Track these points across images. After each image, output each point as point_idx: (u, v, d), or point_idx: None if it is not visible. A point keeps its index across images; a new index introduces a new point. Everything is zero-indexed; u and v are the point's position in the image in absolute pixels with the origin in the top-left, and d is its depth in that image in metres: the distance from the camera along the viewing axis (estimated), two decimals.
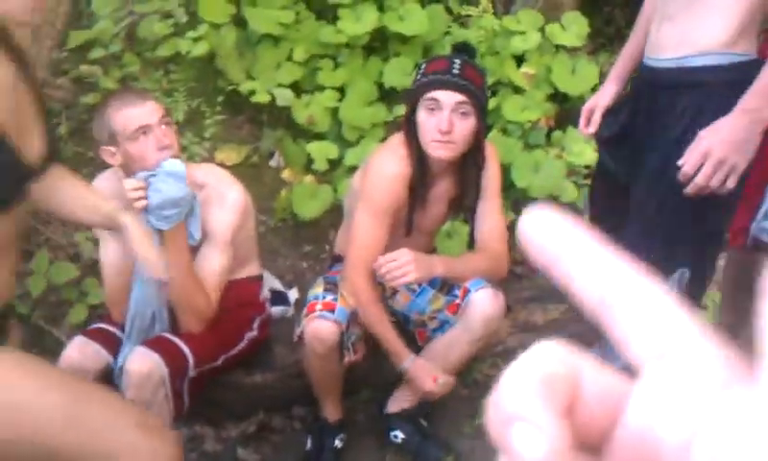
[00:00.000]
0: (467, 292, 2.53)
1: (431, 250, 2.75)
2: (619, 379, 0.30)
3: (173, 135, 2.30)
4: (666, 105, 2.03)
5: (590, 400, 0.29)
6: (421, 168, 2.46)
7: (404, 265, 2.39)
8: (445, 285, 2.64)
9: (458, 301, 2.57)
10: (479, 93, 2.40)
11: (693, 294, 2.09)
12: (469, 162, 2.50)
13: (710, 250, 2.14)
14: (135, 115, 2.25)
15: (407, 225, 2.55)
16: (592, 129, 2.39)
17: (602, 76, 3.88)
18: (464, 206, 2.59)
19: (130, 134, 2.25)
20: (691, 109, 1.97)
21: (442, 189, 2.56)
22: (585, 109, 2.46)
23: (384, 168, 2.48)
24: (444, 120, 2.35)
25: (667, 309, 0.28)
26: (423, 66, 2.48)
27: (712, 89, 1.93)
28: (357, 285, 2.45)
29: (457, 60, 2.41)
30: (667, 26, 2.01)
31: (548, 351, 0.29)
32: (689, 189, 1.91)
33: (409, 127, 2.44)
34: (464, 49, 2.54)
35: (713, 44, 1.91)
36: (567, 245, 0.31)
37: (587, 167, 3.47)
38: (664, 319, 0.28)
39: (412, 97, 2.45)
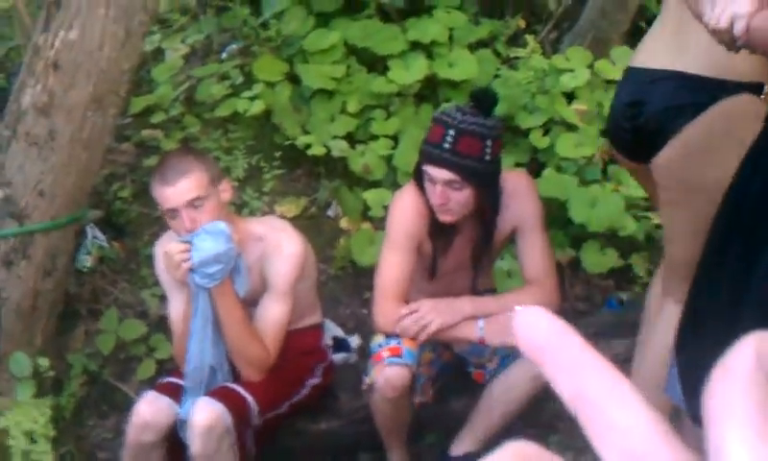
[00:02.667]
0: None
1: (478, 291, 2.74)
2: None
3: (204, 215, 2.33)
4: None
5: None
6: (436, 218, 2.49)
7: (426, 314, 2.41)
8: None
9: None
10: (473, 164, 2.37)
11: None
12: (485, 209, 2.50)
13: None
14: (165, 197, 2.34)
15: (431, 268, 2.56)
16: None
17: None
18: (487, 248, 2.59)
19: (164, 211, 2.38)
20: None
21: (467, 233, 2.57)
22: None
23: (403, 204, 2.54)
24: (436, 194, 2.39)
25: (634, 411, 0.32)
26: (428, 129, 2.50)
27: None
28: (390, 310, 2.47)
29: (452, 131, 2.37)
30: None
31: (519, 450, 0.33)
32: None
33: (419, 182, 2.49)
34: (483, 97, 2.51)
35: None
36: (552, 342, 0.34)
37: (645, 199, 3.43)
38: (630, 423, 0.32)
39: (418, 159, 2.50)
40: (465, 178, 2.37)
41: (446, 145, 2.37)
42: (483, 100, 2.48)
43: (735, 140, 1.79)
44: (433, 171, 2.39)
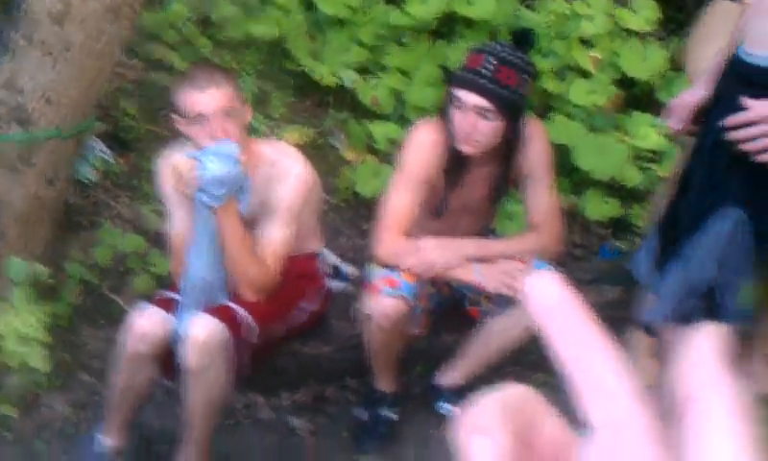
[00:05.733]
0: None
1: (481, 232, 2.73)
2: (571, 432, 0.38)
3: (233, 127, 2.31)
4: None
5: (545, 440, 0.37)
6: (455, 151, 2.46)
7: (430, 252, 2.41)
8: None
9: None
10: (509, 95, 2.34)
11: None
12: (507, 148, 2.47)
13: None
14: (195, 101, 2.30)
15: (439, 206, 2.56)
16: (680, 125, 2.31)
17: (672, 62, 3.81)
18: (502, 189, 2.57)
19: (189, 118, 2.33)
20: None
21: (482, 172, 2.55)
22: (674, 105, 2.39)
23: (420, 138, 2.50)
24: (466, 121, 2.35)
25: (622, 380, 0.36)
26: (466, 56, 2.46)
27: None
28: (394, 243, 2.46)
29: (492, 58, 2.34)
30: (762, 23, 1.90)
31: (516, 390, 0.38)
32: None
33: (444, 113, 2.45)
34: (523, 37, 2.48)
35: None
36: (559, 308, 0.38)
37: (652, 152, 3.41)
38: (618, 389, 0.36)
39: (448, 86, 2.45)
40: (499, 107, 2.34)
41: (486, 72, 2.34)
42: (524, 39, 2.48)
43: None
44: (467, 96, 2.34)
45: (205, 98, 2.30)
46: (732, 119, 1.87)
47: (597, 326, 0.38)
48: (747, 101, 1.86)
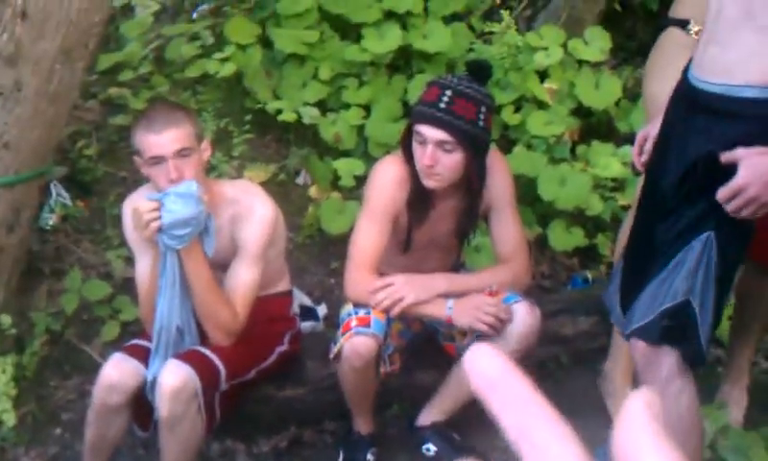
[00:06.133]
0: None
1: (450, 267, 2.74)
2: None
3: (189, 167, 2.30)
4: (702, 128, 1.98)
5: None
6: (419, 186, 2.47)
7: (400, 288, 2.41)
8: None
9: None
10: (467, 127, 2.37)
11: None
12: (469, 181, 2.49)
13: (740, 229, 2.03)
14: (152, 143, 2.29)
15: (406, 241, 2.56)
16: (644, 158, 2.36)
17: (625, 90, 3.89)
18: (468, 223, 2.59)
19: (146, 160, 2.32)
20: (725, 138, 1.94)
21: (447, 206, 2.56)
22: (638, 138, 2.44)
23: (384, 174, 2.53)
24: (427, 155, 2.37)
25: (568, 450, 0.37)
26: (423, 90, 2.49)
27: (753, 123, 1.90)
28: (364, 281, 2.46)
29: (448, 91, 2.39)
30: (714, 50, 1.94)
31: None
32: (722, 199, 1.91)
33: (406, 148, 2.48)
34: (479, 69, 2.53)
35: (761, 78, 1.88)
36: (502, 381, 0.39)
37: (613, 180, 3.47)
38: (562, 456, 0.37)
39: (409, 121, 2.48)
40: (458, 140, 2.36)
41: (442, 105, 2.37)
42: (479, 70, 2.52)
43: None
44: (426, 130, 2.37)
45: (162, 140, 2.29)
46: (723, 193, 1.89)
47: (540, 397, 0.39)
48: (738, 152, 1.88)
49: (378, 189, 2.52)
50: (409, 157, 2.46)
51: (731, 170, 1.89)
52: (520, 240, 2.58)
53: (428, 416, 2.70)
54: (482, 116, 2.41)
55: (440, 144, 2.36)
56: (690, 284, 1.97)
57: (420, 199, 2.50)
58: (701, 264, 1.96)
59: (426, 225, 2.57)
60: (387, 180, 2.51)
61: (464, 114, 2.38)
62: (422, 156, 2.38)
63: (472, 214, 2.58)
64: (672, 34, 2.63)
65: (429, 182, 2.43)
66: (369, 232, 2.49)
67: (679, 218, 2.00)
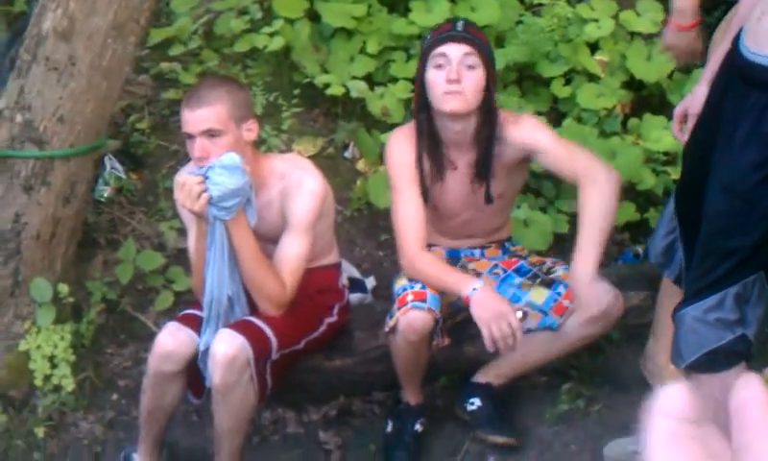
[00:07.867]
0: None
1: (495, 239, 2.78)
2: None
3: (217, 149, 2.32)
4: (754, 103, 1.91)
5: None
6: (432, 142, 2.53)
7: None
8: (537, 275, 2.65)
9: (563, 301, 2.56)
10: (485, 47, 2.48)
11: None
12: (483, 128, 2.51)
13: None
14: (185, 120, 2.36)
15: (431, 205, 2.61)
16: (686, 136, 2.31)
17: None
18: (482, 173, 2.58)
19: (184, 133, 2.39)
20: None
21: (463, 161, 2.58)
22: (676, 113, 2.38)
23: (395, 142, 2.61)
24: (452, 70, 2.40)
25: None
26: (429, 34, 2.56)
27: None
28: (416, 256, 2.49)
29: (460, 20, 2.52)
30: None
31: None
32: None
33: (418, 112, 2.54)
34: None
35: None
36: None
37: (665, 153, 3.42)
38: None
39: (421, 61, 2.51)
40: (480, 54, 2.43)
41: (459, 28, 2.47)
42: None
43: None
44: (448, 48, 2.42)
45: (192, 117, 2.34)
46: None
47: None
48: None
49: (395, 160, 2.57)
50: (420, 125, 2.53)
51: None
52: (587, 153, 2.59)
53: (484, 376, 2.71)
54: (491, 46, 2.56)
55: (464, 60, 2.41)
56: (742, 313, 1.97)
57: (435, 150, 2.54)
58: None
59: (448, 183, 2.59)
60: (398, 145, 2.58)
61: (480, 37, 2.49)
62: (447, 73, 2.41)
63: (487, 167, 2.56)
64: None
65: (452, 104, 2.43)
66: (404, 206, 2.52)
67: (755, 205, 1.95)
